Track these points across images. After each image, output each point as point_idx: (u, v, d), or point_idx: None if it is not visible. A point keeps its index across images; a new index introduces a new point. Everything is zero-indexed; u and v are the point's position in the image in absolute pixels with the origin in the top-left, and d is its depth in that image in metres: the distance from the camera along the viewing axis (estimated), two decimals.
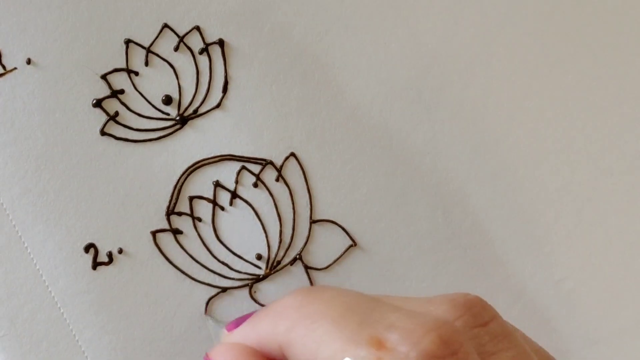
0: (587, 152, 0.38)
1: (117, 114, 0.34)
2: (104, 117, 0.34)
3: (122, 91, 0.34)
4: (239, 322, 0.31)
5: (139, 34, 0.34)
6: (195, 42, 0.34)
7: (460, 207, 0.37)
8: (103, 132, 0.34)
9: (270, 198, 0.35)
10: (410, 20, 0.36)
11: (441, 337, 0.25)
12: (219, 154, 0.35)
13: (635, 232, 0.39)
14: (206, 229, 0.35)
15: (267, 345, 0.29)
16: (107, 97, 0.34)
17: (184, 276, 0.34)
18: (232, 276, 0.35)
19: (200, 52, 0.34)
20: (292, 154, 0.35)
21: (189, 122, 0.35)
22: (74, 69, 0.33)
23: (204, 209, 0.35)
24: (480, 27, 0.37)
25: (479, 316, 0.27)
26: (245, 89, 0.35)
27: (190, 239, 0.35)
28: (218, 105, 0.35)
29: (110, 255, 0.34)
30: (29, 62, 0.33)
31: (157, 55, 0.34)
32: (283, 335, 0.28)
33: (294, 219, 0.35)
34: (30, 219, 0.33)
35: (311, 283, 0.35)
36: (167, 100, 0.34)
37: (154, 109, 0.34)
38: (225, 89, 0.35)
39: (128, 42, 0.34)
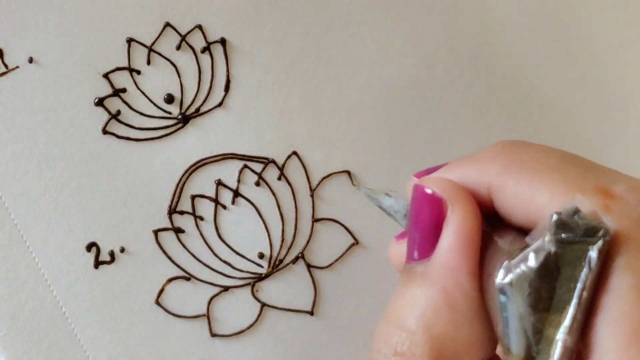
0: (587, 151, 0.38)
1: (119, 112, 0.34)
2: (106, 116, 0.34)
3: (124, 90, 0.34)
4: (430, 170, 0.28)
5: (141, 33, 0.34)
6: (198, 41, 0.34)
7: None
8: (105, 131, 0.34)
9: (273, 197, 0.35)
10: (412, 17, 0.36)
11: None
12: (221, 152, 0.35)
13: None
14: (208, 228, 0.35)
15: (472, 189, 0.27)
16: (109, 95, 0.34)
17: (185, 275, 0.34)
18: (234, 275, 0.35)
19: (202, 51, 0.34)
20: (294, 153, 0.35)
21: (191, 121, 0.35)
22: (76, 67, 0.33)
23: (206, 208, 0.35)
24: (482, 26, 0.37)
25: None
26: (247, 87, 0.35)
27: (192, 237, 0.35)
28: (220, 104, 0.35)
29: (112, 254, 0.34)
30: (31, 60, 0.33)
31: (159, 54, 0.34)
32: (494, 178, 0.26)
33: (296, 218, 0.35)
34: (32, 217, 0.33)
35: (313, 282, 0.35)
36: (169, 99, 0.34)
37: (156, 108, 0.34)
38: (227, 88, 0.35)
39: (130, 40, 0.34)
